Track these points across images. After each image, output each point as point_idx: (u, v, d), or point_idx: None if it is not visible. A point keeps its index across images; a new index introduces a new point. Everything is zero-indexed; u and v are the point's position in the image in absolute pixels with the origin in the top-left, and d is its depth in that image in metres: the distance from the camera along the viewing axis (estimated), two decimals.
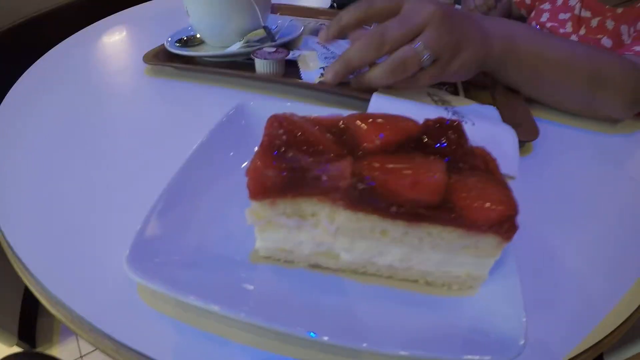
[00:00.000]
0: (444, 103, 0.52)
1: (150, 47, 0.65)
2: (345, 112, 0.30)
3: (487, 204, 0.24)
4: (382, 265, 0.29)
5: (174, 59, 0.63)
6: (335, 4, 0.84)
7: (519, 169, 0.43)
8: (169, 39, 0.66)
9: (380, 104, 0.47)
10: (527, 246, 0.35)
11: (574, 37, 0.83)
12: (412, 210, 0.25)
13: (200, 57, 0.64)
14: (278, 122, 0.27)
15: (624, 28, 0.74)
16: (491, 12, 0.96)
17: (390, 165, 0.25)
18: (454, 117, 0.46)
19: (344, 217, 0.27)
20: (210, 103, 0.55)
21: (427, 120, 0.29)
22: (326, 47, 0.64)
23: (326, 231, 0.28)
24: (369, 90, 0.49)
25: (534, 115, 0.53)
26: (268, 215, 0.28)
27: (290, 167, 0.26)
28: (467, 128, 0.44)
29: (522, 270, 0.28)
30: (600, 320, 0.32)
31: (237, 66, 0.60)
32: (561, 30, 0.85)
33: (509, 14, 1.03)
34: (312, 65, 0.60)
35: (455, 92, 0.57)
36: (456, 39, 0.47)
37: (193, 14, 0.65)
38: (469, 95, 0.58)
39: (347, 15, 0.50)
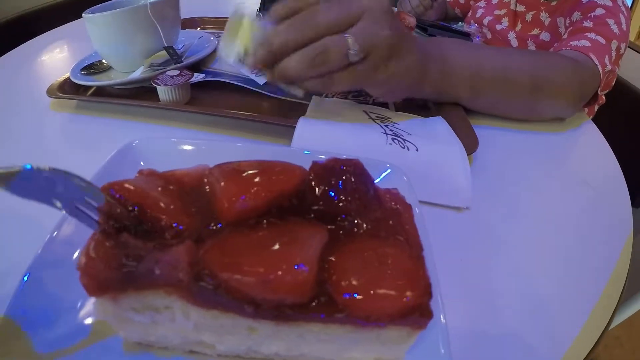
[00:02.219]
0: (383, 120, 0.46)
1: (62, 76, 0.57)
2: (265, 143, 0.24)
3: (383, 293, 0.18)
4: (268, 354, 0.23)
5: (81, 89, 0.56)
6: (261, 15, 0.78)
7: (471, 196, 0.39)
8: (74, 66, 0.59)
9: (307, 129, 0.41)
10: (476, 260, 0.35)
11: (511, 34, 0.80)
12: (274, 309, 0.18)
13: (104, 86, 0.57)
14: (111, 195, 0.21)
15: (560, 20, 0.72)
16: (427, 13, 0.93)
17: (236, 254, 0.18)
18: (394, 142, 0.41)
19: (197, 314, 0.20)
20: (110, 139, 0.48)
21: (314, 165, 0.23)
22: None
23: (185, 326, 0.21)
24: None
25: (478, 123, 0.50)
26: (114, 311, 0.22)
27: (125, 255, 0.20)
28: (410, 155, 0.41)
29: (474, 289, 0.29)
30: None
31: (147, 92, 0.53)
32: (498, 27, 0.82)
33: (445, 14, 1.00)
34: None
35: (385, 104, 0.51)
36: (394, 41, 0.39)
37: (94, 37, 0.57)
38: (403, 107, 0.52)
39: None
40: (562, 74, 0.52)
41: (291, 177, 0.22)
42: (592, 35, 0.58)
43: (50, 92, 0.54)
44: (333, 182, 0.22)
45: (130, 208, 0.21)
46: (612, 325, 0.75)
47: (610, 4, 0.64)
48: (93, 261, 0.20)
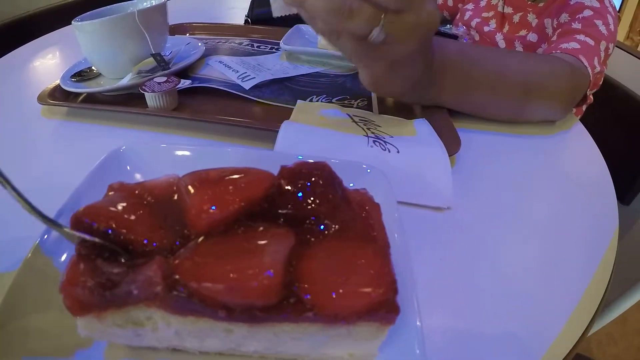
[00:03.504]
0: (366, 123, 0.46)
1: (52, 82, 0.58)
2: (250, 147, 0.24)
3: (349, 291, 0.19)
4: (248, 352, 0.23)
5: (71, 95, 0.56)
6: (249, 20, 0.79)
7: (452, 196, 0.39)
8: (64, 73, 0.59)
9: (290, 132, 0.42)
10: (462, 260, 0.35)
11: (499, 35, 0.81)
12: (246, 313, 0.19)
13: (93, 93, 0.57)
14: (82, 223, 0.21)
15: (547, 21, 0.73)
16: None
17: (205, 263, 0.19)
18: (376, 144, 0.41)
19: (176, 321, 0.21)
20: (100, 145, 0.49)
21: (282, 170, 0.24)
22: (228, 65, 0.59)
23: (167, 334, 0.22)
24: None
25: (462, 124, 0.50)
26: (98, 328, 0.23)
27: (102, 279, 0.20)
28: (391, 157, 0.42)
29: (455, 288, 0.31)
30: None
31: (136, 99, 0.54)
32: (486, 28, 0.83)
33: None
34: None
35: (368, 107, 0.52)
36: (416, 47, 0.39)
37: (83, 44, 0.58)
38: (386, 109, 0.53)
39: None
40: (556, 78, 0.52)
41: (259, 183, 0.22)
42: (581, 37, 0.59)
43: (41, 99, 0.54)
44: (301, 185, 0.23)
45: (103, 232, 0.21)
46: (605, 323, 0.76)
47: (597, 5, 0.64)
48: (73, 284, 0.20)
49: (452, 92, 0.49)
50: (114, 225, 0.21)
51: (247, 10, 0.81)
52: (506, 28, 0.81)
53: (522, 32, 0.78)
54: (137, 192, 0.24)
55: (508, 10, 0.81)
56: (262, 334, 0.21)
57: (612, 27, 0.63)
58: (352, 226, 0.22)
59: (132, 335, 0.22)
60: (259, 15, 0.79)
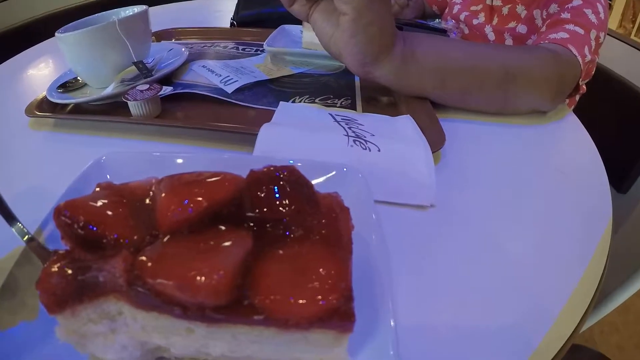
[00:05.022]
0: (348, 123, 0.46)
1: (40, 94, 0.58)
2: (230, 152, 0.24)
3: (299, 297, 0.18)
4: (216, 355, 0.24)
5: (58, 107, 0.57)
6: (235, 23, 0.79)
7: (435, 193, 0.39)
8: (50, 85, 0.60)
9: (269, 135, 0.41)
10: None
11: (488, 28, 0.80)
12: (199, 311, 0.19)
13: (79, 103, 0.58)
14: (63, 215, 0.23)
15: (536, 12, 0.73)
16: (404, 11, 0.94)
17: (162, 260, 0.20)
18: (356, 143, 0.41)
19: (141, 316, 0.22)
20: (87, 155, 0.49)
21: (251, 173, 0.24)
22: (211, 70, 0.59)
23: (135, 328, 0.22)
24: None
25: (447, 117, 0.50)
26: (76, 327, 0.23)
27: (76, 269, 0.22)
28: (372, 156, 0.41)
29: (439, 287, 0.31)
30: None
31: (122, 108, 0.54)
32: (475, 21, 0.83)
33: (422, 12, 1.00)
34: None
35: (352, 106, 0.52)
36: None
37: (67, 55, 0.59)
38: (370, 107, 0.53)
39: None
40: (538, 65, 0.52)
41: (226, 187, 0.22)
42: (570, 27, 0.58)
43: (28, 112, 0.55)
44: (267, 189, 0.23)
45: (80, 225, 0.22)
46: (607, 312, 0.75)
47: None
48: (49, 278, 0.22)
49: (428, 82, 0.50)
50: (90, 219, 0.22)
51: (232, 13, 0.81)
52: (495, 20, 0.81)
53: (512, 24, 0.77)
54: (119, 191, 0.25)
55: (497, 2, 0.81)
56: (221, 335, 0.21)
57: (602, 15, 0.62)
58: (316, 231, 0.22)
59: (107, 330, 0.23)
60: (244, 17, 0.78)
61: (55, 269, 0.22)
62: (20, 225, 0.32)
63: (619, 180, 0.85)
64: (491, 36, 0.80)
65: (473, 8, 0.85)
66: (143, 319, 0.22)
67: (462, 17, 0.86)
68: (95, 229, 0.22)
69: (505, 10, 0.79)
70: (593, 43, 0.59)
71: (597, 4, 0.62)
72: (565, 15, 0.61)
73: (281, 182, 0.23)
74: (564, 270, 0.35)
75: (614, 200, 0.44)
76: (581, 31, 0.58)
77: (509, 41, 0.77)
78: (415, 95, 0.52)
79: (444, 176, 0.44)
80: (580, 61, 0.54)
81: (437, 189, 0.40)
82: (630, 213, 0.92)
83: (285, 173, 0.23)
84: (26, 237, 0.31)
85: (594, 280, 0.35)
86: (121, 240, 0.22)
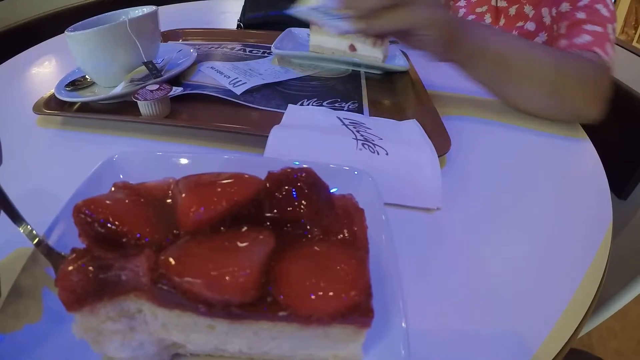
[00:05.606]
0: (355, 126, 0.47)
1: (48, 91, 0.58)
2: (240, 153, 0.25)
3: (322, 293, 0.19)
4: (234, 351, 0.24)
5: (66, 105, 0.57)
6: (242, 25, 0.79)
7: (442, 196, 0.40)
8: (58, 83, 0.60)
9: (279, 138, 0.42)
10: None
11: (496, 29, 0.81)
12: (224, 308, 0.20)
13: (87, 102, 0.58)
14: (83, 213, 0.23)
15: (545, 11, 0.74)
16: None
17: (188, 259, 0.20)
18: (365, 147, 0.42)
19: (163, 314, 0.22)
20: (95, 153, 0.49)
21: (269, 175, 0.24)
22: (220, 71, 0.60)
23: (155, 326, 0.23)
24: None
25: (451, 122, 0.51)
26: (94, 324, 0.24)
27: (97, 267, 0.22)
28: (380, 159, 0.42)
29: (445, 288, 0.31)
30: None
31: (131, 107, 0.55)
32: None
33: None
34: None
35: (359, 110, 0.53)
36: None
37: (76, 54, 0.59)
38: (376, 110, 0.54)
39: None
40: (581, 72, 0.54)
41: (245, 188, 0.23)
42: (589, 27, 0.60)
43: (36, 109, 0.55)
44: (286, 191, 0.23)
45: (100, 223, 0.22)
46: (606, 317, 0.76)
47: None
48: (69, 275, 0.22)
49: (486, 77, 0.54)
50: (110, 218, 0.23)
51: (239, 15, 0.82)
52: (502, 21, 0.82)
53: (519, 24, 0.78)
54: (137, 191, 0.25)
55: (502, 3, 0.81)
56: (243, 332, 0.22)
57: (611, 6, 0.64)
58: (333, 231, 0.23)
59: (126, 327, 0.23)
60: (251, 19, 0.79)
61: (75, 266, 0.22)
62: (29, 227, 0.32)
63: (619, 187, 0.86)
64: None
65: (478, 10, 0.86)
66: (164, 317, 0.22)
67: (468, 19, 0.87)
68: (115, 227, 0.22)
69: (512, 10, 0.80)
70: (611, 37, 0.60)
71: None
72: (581, 15, 0.62)
73: (299, 184, 0.24)
74: (564, 275, 0.36)
75: (614, 206, 0.45)
76: (600, 29, 0.59)
77: None
78: (480, 84, 0.54)
79: (450, 180, 0.44)
80: (609, 59, 0.57)
81: (443, 192, 0.41)
82: (630, 219, 0.93)
83: (303, 175, 0.24)
84: (36, 239, 0.30)
85: (593, 286, 0.35)
86: (143, 239, 0.22)
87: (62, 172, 0.48)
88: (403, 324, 0.26)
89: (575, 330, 0.32)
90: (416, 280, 0.34)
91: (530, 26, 0.76)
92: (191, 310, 0.21)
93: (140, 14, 0.61)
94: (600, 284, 0.36)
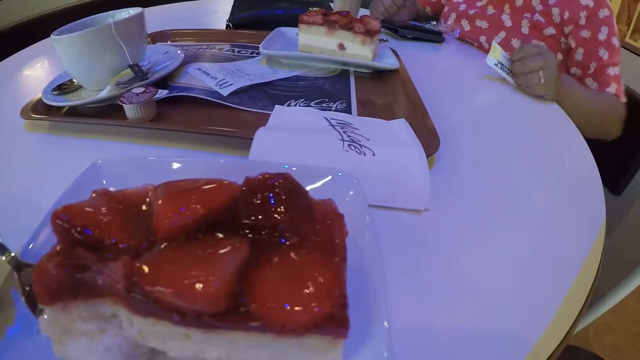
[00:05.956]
0: (343, 127, 0.46)
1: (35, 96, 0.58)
2: (225, 156, 0.24)
3: (295, 304, 0.19)
4: (213, 359, 0.24)
5: (53, 109, 0.56)
6: (230, 25, 0.79)
7: (430, 197, 0.39)
8: (45, 87, 0.59)
9: (265, 140, 0.42)
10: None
11: (505, 17, 0.82)
12: (197, 318, 0.19)
13: (74, 106, 0.57)
14: (60, 219, 0.23)
15: (555, 10, 0.76)
16: (401, 12, 0.94)
17: (160, 268, 0.20)
18: (351, 148, 0.41)
19: (138, 321, 0.22)
20: (82, 158, 0.49)
21: (246, 181, 0.24)
22: (207, 73, 0.59)
23: (131, 332, 0.22)
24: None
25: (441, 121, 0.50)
26: (62, 322, 0.23)
27: (75, 265, 0.22)
28: (366, 160, 0.42)
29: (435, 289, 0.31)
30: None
31: (118, 110, 0.54)
32: (489, 12, 0.84)
33: (416, 13, 1.01)
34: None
35: (347, 110, 0.52)
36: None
37: (63, 58, 0.58)
38: (365, 110, 0.53)
39: None
40: (615, 114, 0.76)
41: (222, 195, 0.23)
42: (611, 71, 0.75)
43: (24, 114, 0.54)
44: (263, 197, 0.23)
45: (77, 230, 0.22)
46: (602, 312, 0.76)
47: (608, 13, 0.75)
48: (46, 270, 0.21)
49: (570, 106, 0.68)
50: (87, 224, 0.22)
51: (228, 15, 0.81)
52: (508, 10, 0.82)
53: (527, 15, 0.79)
54: (115, 198, 0.25)
55: None
56: (218, 341, 0.21)
57: (614, 21, 0.75)
58: (311, 238, 0.22)
59: (96, 329, 0.23)
60: (240, 19, 0.78)
61: (53, 262, 0.22)
62: None
63: (613, 183, 0.86)
64: (508, 23, 0.81)
65: (479, 4, 0.86)
66: (140, 324, 0.22)
67: (471, 13, 0.86)
68: (93, 233, 0.22)
69: (519, 1, 0.80)
70: (619, 71, 0.76)
71: (612, 17, 0.75)
72: (603, 54, 0.74)
73: (276, 190, 0.23)
74: (558, 271, 0.36)
75: (607, 202, 0.44)
76: (617, 71, 0.75)
77: (525, 29, 0.79)
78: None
79: (439, 180, 0.44)
80: (623, 99, 0.76)
81: (431, 193, 0.40)
82: (624, 214, 0.93)
83: (280, 180, 0.23)
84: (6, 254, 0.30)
85: (588, 281, 0.35)
86: (119, 245, 0.22)
87: (49, 176, 0.47)
88: (385, 325, 0.25)
89: (571, 326, 0.32)
90: (406, 282, 0.33)
91: (539, 18, 0.78)
92: (165, 319, 0.21)
93: (127, 15, 0.60)
94: (595, 280, 0.36)
